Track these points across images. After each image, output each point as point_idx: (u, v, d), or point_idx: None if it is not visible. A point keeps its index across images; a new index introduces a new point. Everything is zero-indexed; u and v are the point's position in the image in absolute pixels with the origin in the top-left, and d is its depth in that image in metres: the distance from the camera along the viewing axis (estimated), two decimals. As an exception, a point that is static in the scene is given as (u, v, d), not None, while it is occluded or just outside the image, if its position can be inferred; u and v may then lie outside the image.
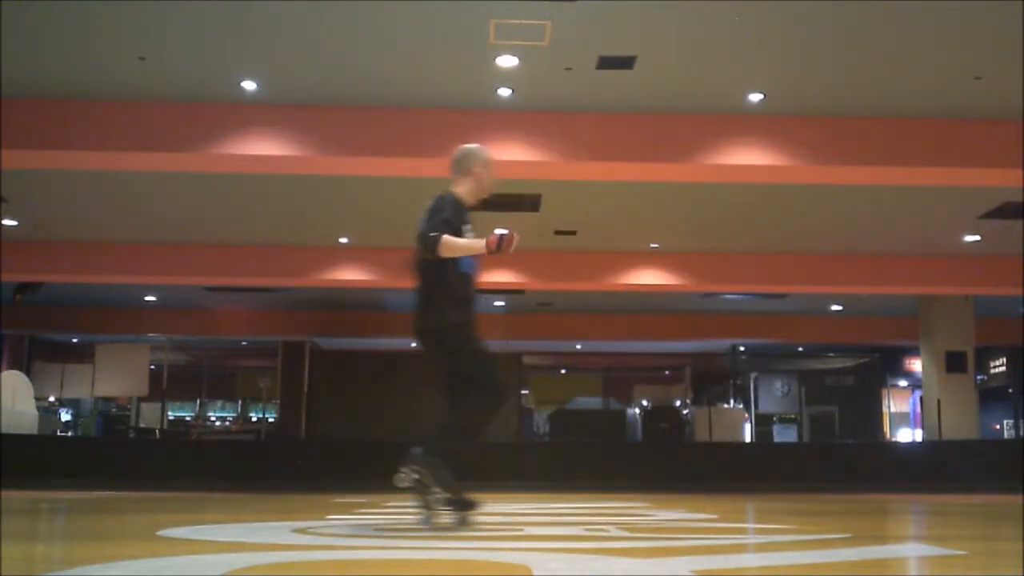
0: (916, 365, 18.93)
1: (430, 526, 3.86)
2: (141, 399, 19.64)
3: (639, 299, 16.11)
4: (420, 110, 8.36)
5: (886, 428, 21.34)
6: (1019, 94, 7.90)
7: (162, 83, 7.89)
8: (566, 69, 7.59)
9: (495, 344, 18.65)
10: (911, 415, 22.40)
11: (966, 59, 7.33)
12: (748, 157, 8.46)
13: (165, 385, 18.47)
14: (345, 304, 17.06)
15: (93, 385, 17.83)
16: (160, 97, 8.16)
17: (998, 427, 21.58)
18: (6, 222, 11.71)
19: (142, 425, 19.41)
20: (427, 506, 3.97)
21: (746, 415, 20.05)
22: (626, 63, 7.45)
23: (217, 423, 24.43)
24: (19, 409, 13.72)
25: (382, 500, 6.91)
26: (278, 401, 19.26)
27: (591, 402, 22.03)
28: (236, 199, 10.98)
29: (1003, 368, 19.34)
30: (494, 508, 5.97)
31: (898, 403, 22.20)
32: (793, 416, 21.07)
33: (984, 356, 18.64)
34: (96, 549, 3.03)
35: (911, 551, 3.18)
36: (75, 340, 21.12)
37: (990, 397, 19.32)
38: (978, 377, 16.83)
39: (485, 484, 11.17)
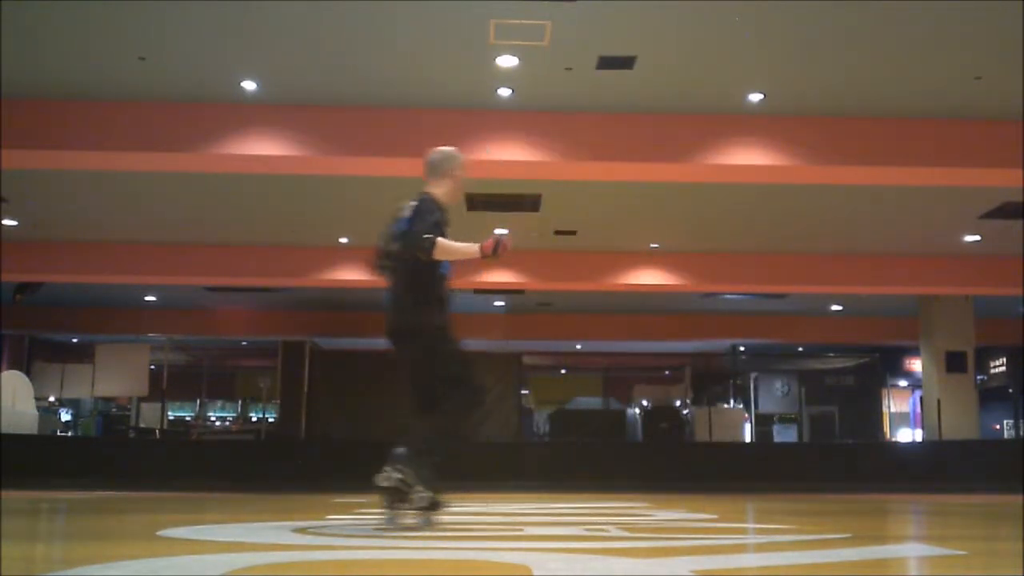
0: (916, 365, 18.93)
1: (394, 527, 3.85)
2: (141, 399, 19.64)
3: (639, 299, 16.10)
4: (420, 110, 8.36)
5: (886, 428, 21.34)
6: (1019, 94, 7.89)
7: (162, 83, 7.89)
8: (566, 69, 7.59)
9: (495, 344, 18.62)
10: (911, 415, 22.40)
11: (966, 59, 7.32)
12: (748, 157, 8.46)
13: (165, 385, 18.47)
14: (345, 304, 17.04)
15: (93, 385, 17.83)
16: (160, 97, 8.16)
17: (998, 427, 21.58)
18: (6, 222, 11.71)
19: (142, 425, 19.41)
20: (393, 507, 3.96)
21: (746, 415, 20.05)
22: (626, 63, 7.45)
23: (217, 423, 24.43)
24: (19, 409, 13.73)
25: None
26: (278, 401, 19.26)
27: (591, 402, 22.02)
28: (236, 199, 10.98)
29: (1003, 368, 19.34)
30: (494, 508, 5.97)
31: (898, 403, 22.20)
32: (793, 416, 21.06)
33: (984, 356, 18.63)
34: (96, 549, 3.03)
35: (911, 551, 3.18)
36: (75, 340, 21.11)
37: (990, 397, 19.31)
38: (978, 377, 16.84)
39: (485, 484, 11.18)
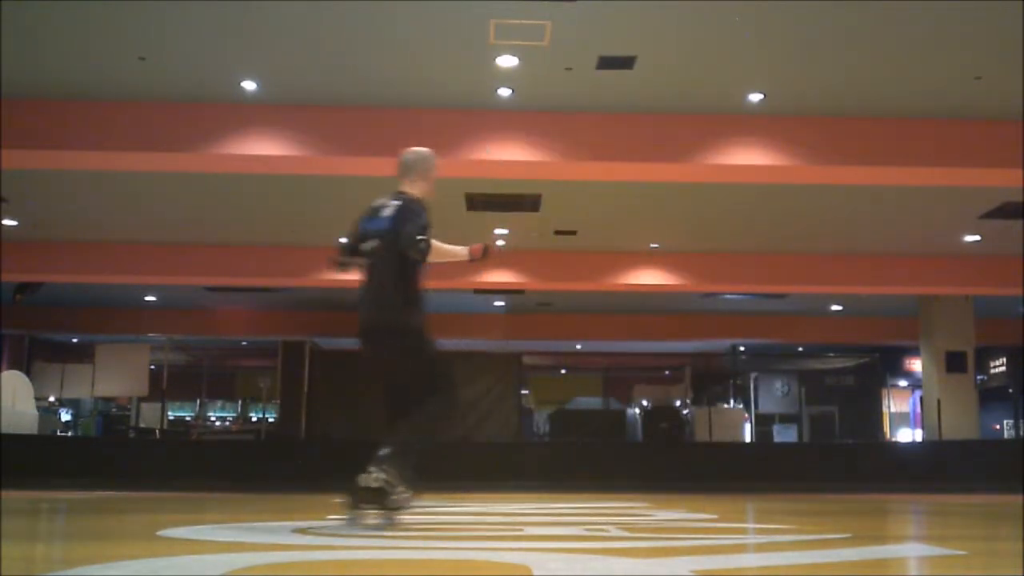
0: (916, 365, 18.92)
1: (357, 527, 3.85)
2: (141, 399, 19.63)
3: (639, 299, 16.10)
4: (420, 110, 8.36)
5: (886, 428, 21.33)
6: (1019, 94, 7.89)
7: (162, 83, 7.89)
8: (566, 69, 7.59)
9: (495, 344, 18.57)
10: (911, 415, 22.39)
11: (966, 59, 7.32)
12: (748, 157, 8.46)
13: (165, 385, 18.46)
14: (345, 304, 16.97)
15: (93, 385, 17.82)
16: (160, 97, 8.16)
17: (998, 427, 21.57)
18: (6, 222, 11.71)
19: (142, 425, 19.40)
20: (360, 507, 3.97)
21: (746, 415, 20.04)
22: (626, 63, 7.45)
23: (217, 423, 24.42)
24: (19, 409, 13.72)
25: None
26: (278, 401, 19.25)
27: (591, 402, 22.01)
28: (236, 199, 10.98)
29: (1003, 368, 19.33)
30: (494, 508, 5.97)
31: (898, 403, 22.19)
32: (793, 415, 21.06)
33: (984, 356, 18.63)
34: (96, 549, 3.03)
35: (911, 551, 3.18)
36: (75, 340, 21.11)
37: (990, 397, 19.31)
38: (978, 377, 16.83)
39: (485, 484, 11.18)
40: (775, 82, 7.86)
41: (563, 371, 25.43)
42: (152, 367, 18.42)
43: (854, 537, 3.62)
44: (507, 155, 8.40)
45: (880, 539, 3.68)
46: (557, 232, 12.21)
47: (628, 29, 6.92)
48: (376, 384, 4.35)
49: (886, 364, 20.68)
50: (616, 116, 8.44)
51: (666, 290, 14.38)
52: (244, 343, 21.60)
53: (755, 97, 8.11)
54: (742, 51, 7.25)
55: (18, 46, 7.17)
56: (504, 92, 8.03)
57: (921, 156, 8.51)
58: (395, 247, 4.12)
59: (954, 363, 15.54)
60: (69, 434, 18.82)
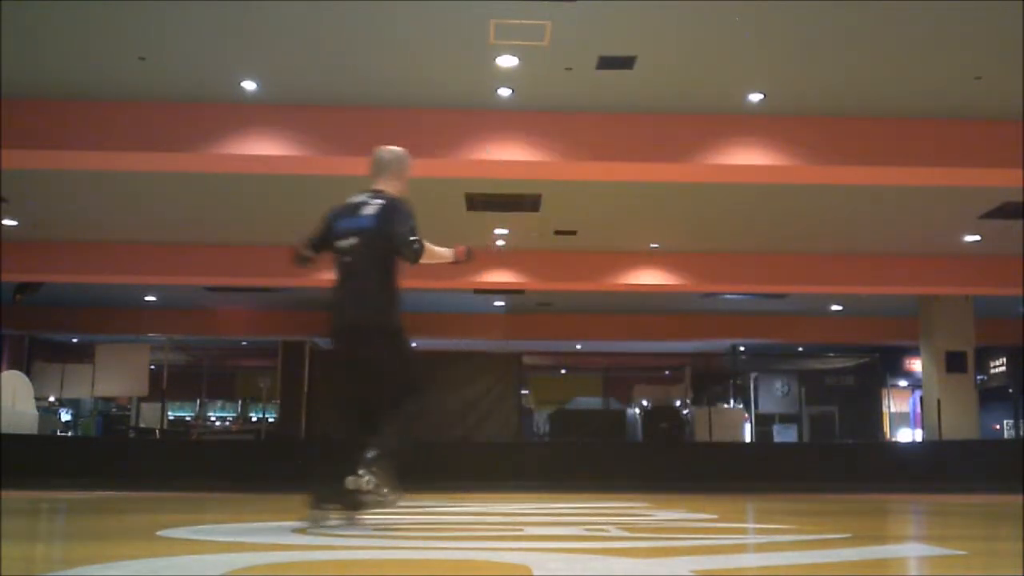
0: (916, 365, 18.92)
1: (317, 526, 3.86)
2: (141, 399, 19.63)
3: (639, 299, 16.10)
4: (420, 110, 8.35)
5: (886, 428, 21.33)
6: (1019, 94, 7.89)
7: (162, 83, 7.89)
8: (566, 69, 7.58)
9: (495, 344, 18.57)
10: (911, 415, 22.40)
11: (966, 59, 7.32)
12: (748, 157, 8.45)
13: (165, 385, 18.46)
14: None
15: (93, 385, 17.82)
16: (160, 97, 8.15)
17: (998, 427, 21.58)
18: (6, 222, 11.71)
19: (142, 425, 19.40)
20: (319, 506, 3.99)
21: (746, 415, 20.04)
22: (626, 63, 7.45)
23: (217, 423, 24.41)
24: (19, 409, 13.73)
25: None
26: (278, 401, 19.25)
27: (591, 402, 22.01)
28: (236, 199, 10.97)
29: (1003, 368, 19.33)
30: (494, 508, 5.98)
31: (898, 403, 22.19)
32: (793, 416, 21.06)
33: (984, 356, 18.63)
34: (96, 549, 3.03)
35: (911, 551, 3.18)
36: (75, 340, 21.11)
37: (990, 397, 19.31)
38: (978, 377, 16.83)
39: (485, 484, 11.18)
40: (775, 82, 7.86)
41: (563, 371, 25.43)
42: (152, 367, 18.42)
43: (854, 537, 3.62)
44: (507, 155, 8.39)
45: (880, 539, 3.69)
46: (557, 232, 12.21)
47: (628, 29, 6.92)
48: (344, 384, 4.36)
49: (886, 364, 20.68)
50: (616, 116, 8.43)
51: (666, 290, 14.38)
52: (244, 343, 21.59)
53: (755, 97, 8.11)
54: (742, 51, 7.25)
55: (18, 46, 7.17)
56: (504, 92, 8.03)
57: (921, 156, 8.51)
58: (379, 246, 4.11)
59: (954, 363, 15.54)
60: (69, 434, 18.82)
